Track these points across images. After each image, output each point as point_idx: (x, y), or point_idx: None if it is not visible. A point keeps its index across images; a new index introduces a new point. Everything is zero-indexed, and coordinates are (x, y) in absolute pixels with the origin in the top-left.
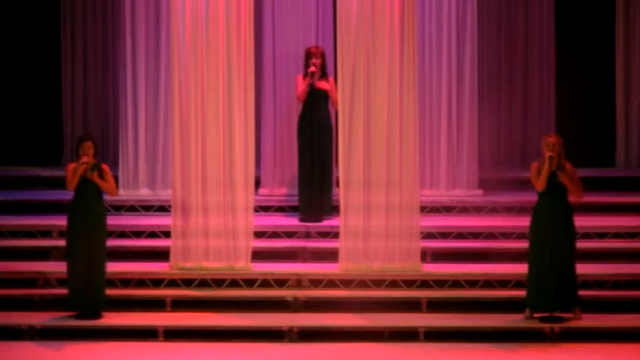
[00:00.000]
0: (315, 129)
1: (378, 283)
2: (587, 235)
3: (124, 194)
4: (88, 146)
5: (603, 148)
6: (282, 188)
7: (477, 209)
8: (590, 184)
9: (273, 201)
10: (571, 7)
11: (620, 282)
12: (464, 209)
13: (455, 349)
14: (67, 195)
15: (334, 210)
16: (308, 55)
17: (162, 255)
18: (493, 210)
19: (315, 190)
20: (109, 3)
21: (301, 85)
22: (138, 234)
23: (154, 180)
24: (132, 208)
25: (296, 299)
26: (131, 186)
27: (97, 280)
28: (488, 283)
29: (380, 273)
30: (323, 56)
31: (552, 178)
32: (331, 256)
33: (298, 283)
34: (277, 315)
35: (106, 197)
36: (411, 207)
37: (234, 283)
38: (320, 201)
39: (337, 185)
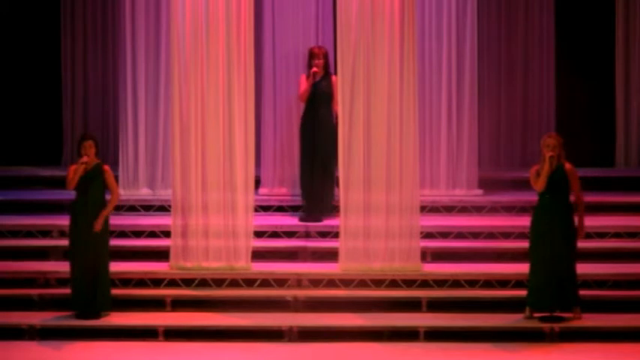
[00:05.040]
0: (318, 129)
1: (378, 283)
2: (587, 235)
3: (124, 194)
4: (90, 145)
5: (603, 148)
6: (282, 188)
7: (477, 209)
8: (590, 184)
9: (273, 201)
10: (571, 8)
11: (620, 282)
12: (464, 209)
13: (455, 349)
14: (67, 195)
15: (336, 209)
16: (311, 55)
17: (162, 255)
18: (493, 210)
19: (317, 189)
20: (109, 3)
21: (304, 85)
22: (138, 234)
23: (154, 180)
24: (132, 208)
25: (296, 299)
26: (131, 186)
27: (100, 280)
28: (488, 283)
29: (380, 273)
30: (326, 56)
31: (553, 178)
32: (331, 256)
33: (298, 283)
34: (277, 315)
35: (107, 197)
36: (411, 207)
37: (234, 283)
38: (323, 200)
39: (337, 185)
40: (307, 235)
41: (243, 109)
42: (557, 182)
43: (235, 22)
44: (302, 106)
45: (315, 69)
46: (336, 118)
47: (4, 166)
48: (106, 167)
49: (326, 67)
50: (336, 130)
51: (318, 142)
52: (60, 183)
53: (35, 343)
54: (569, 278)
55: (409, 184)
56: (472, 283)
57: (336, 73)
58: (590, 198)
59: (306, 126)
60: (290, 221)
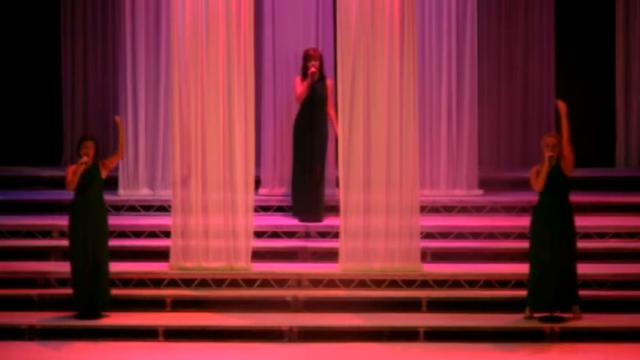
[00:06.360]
0: (314, 131)
1: (378, 283)
2: (587, 235)
3: (124, 194)
4: (89, 146)
5: (603, 148)
6: (282, 188)
7: (477, 209)
8: (590, 184)
9: (273, 201)
10: (571, 7)
11: (620, 282)
12: (464, 209)
13: (455, 349)
14: (67, 195)
15: (327, 211)
16: (306, 57)
17: (162, 255)
18: (493, 210)
19: (308, 191)
20: (109, 3)
21: (300, 87)
22: (138, 234)
23: (154, 180)
24: (132, 208)
25: (296, 299)
26: (131, 186)
27: (99, 280)
28: (488, 283)
29: (380, 273)
30: (321, 58)
31: (553, 179)
32: (331, 256)
33: (298, 283)
34: (277, 315)
35: (106, 197)
36: (411, 207)
37: (234, 283)
38: (315, 202)
39: (337, 185)
40: (307, 235)
41: (243, 109)
42: (556, 182)
43: (235, 22)
44: (298, 107)
45: (313, 69)
46: (330, 121)
47: (4, 166)
48: (100, 163)
49: (321, 69)
50: (329, 133)
51: (315, 144)
52: (60, 183)
53: (35, 344)
54: (569, 278)
55: (409, 184)
56: (472, 283)
57: (335, 74)
58: (590, 198)
59: (302, 128)
60: (290, 221)
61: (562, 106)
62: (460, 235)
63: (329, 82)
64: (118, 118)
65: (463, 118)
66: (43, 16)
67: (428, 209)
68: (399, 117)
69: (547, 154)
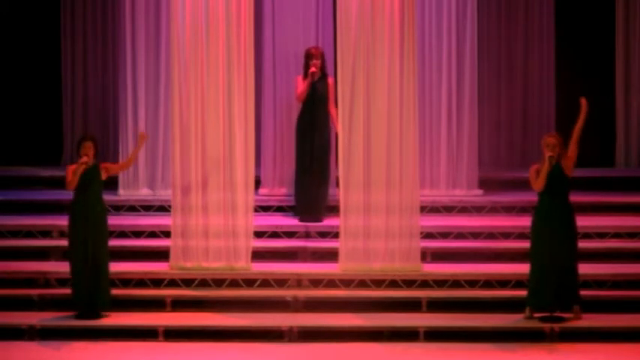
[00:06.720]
0: (315, 130)
1: (378, 283)
2: (587, 235)
3: (124, 194)
4: (89, 146)
5: (603, 148)
6: (282, 188)
7: (477, 209)
8: (590, 184)
9: (273, 201)
10: (571, 7)
11: (620, 282)
12: (464, 209)
13: (455, 349)
14: (67, 195)
15: (329, 211)
16: (308, 56)
17: (162, 255)
18: (493, 210)
19: (313, 192)
20: (109, 3)
21: (301, 86)
22: (138, 234)
23: (154, 180)
24: (132, 208)
25: (296, 299)
26: (131, 186)
27: (99, 280)
28: (488, 283)
29: (380, 273)
30: (323, 57)
31: (553, 179)
32: (331, 256)
33: (298, 283)
34: (277, 315)
35: (106, 197)
36: (411, 207)
37: (234, 283)
38: (315, 202)
39: (337, 185)
40: (307, 235)
41: (243, 109)
42: (557, 182)
43: (235, 22)
44: (299, 106)
45: (313, 69)
46: (332, 120)
47: (4, 166)
48: (104, 165)
49: (323, 68)
50: (331, 133)
51: (315, 144)
52: (60, 183)
53: (35, 344)
54: (569, 278)
55: (409, 184)
56: (472, 283)
57: (335, 73)
58: (590, 198)
59: (304, 128)
60: (290, 221)
61: (585, 103)
62: (460, 235)
63: (330, 80)
64: (143, 133)
65: (463, 118)
66: (43, 16)
67: (428, 209)
68: (399, 117)
69: (547, 154)
